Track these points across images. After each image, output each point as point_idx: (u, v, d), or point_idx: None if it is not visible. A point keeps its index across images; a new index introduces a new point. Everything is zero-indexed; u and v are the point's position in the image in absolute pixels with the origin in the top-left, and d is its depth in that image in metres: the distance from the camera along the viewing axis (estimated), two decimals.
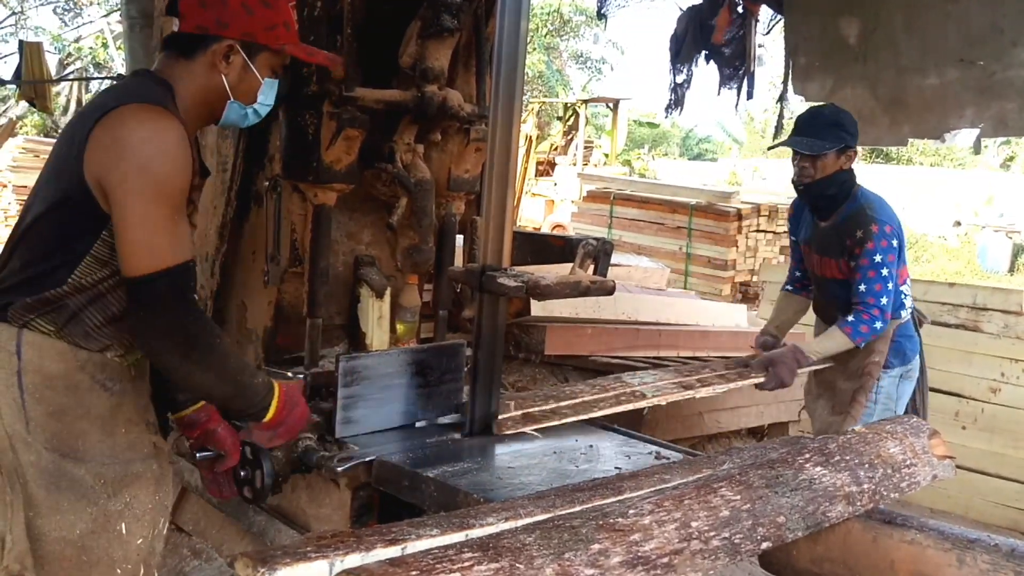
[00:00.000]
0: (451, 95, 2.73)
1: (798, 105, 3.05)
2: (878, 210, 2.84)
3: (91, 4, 17.80)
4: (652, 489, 1.57)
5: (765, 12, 5.20)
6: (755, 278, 8.51)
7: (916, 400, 3.18)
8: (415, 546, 1.26)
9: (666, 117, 6.49)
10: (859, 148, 3.02)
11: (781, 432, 4.34)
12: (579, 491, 1.63)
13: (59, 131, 14.81)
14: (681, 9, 5.32)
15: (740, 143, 29.98)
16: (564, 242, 4.24)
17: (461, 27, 2.70)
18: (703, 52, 5.28)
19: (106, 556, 1.69)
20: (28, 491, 1.63)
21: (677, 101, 5.66)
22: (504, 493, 1.83)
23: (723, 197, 9.69)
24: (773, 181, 17.05)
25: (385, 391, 2.26)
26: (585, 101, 16.95)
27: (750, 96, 5.32)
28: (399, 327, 2.87)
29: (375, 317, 2.78)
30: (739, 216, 8.99)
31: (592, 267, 2.56)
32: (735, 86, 5.31)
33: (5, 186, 9.56)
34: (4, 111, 15.32)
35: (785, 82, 4.78)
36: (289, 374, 2.41)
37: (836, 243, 2.89)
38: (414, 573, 1.07)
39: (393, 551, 1.24)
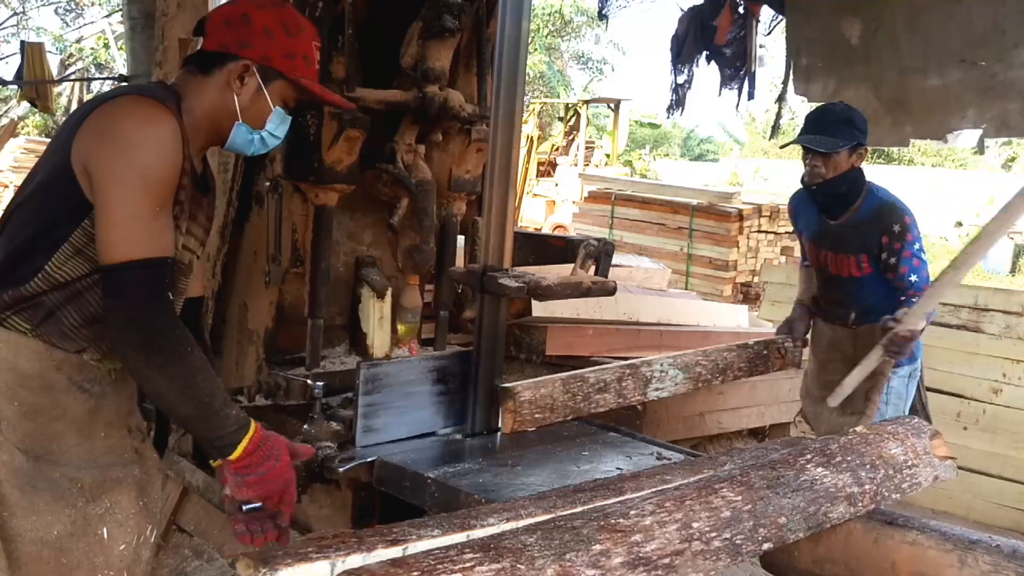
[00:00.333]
0: (452, 95, 2.73)
1: (798, 105, 3.05)
2: (900, 203, 2.87)
3: (92, 5, 17.82)
4: (653, 490, 1.57)
5: (766, 13, 5.20)
6: (756, 279, 8.50)
7: (918, 399, 3.17)
8: (416, 547, 1.26)
9: (667, 118, 6.49)
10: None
11: (782, 433, 4.33)
12: (580, 492, 1.63)
13: None
14: (682, 10, 5.32)
15: (741, 144, 29.99)
16: (565, 243, 4.24)
17: (462, 28, 2.70)
18: (704, 53, 5.28)
19: (86, 560, 1.65)
20: (2, 491, 1.59)
21: (678, 102, 5.66)
22: (505, 494, 1.83)
23: (724, 198, 9.68)
24: (774, 181, 17.07)
25: (406, 399, 2.24)
26: (586, 102, 16.96)
27: (751, 97, 5.32)
28: (400, 328, 2.87)
29: (376, 318, 2.78)
30: (740, 217, 8.98)
31: (593, 268, 2.56)
32: (736, 87, 5.31)
33: (7, 186, 9.58)
34: (6, 112, 15.34)
35: (785, 83, 4.78)
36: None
37: (857, 240, 2.86)
38: (415, 574, 1.07)
39: (394, 552, 1.24)
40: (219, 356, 2.89)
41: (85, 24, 17.94)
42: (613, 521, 1.25)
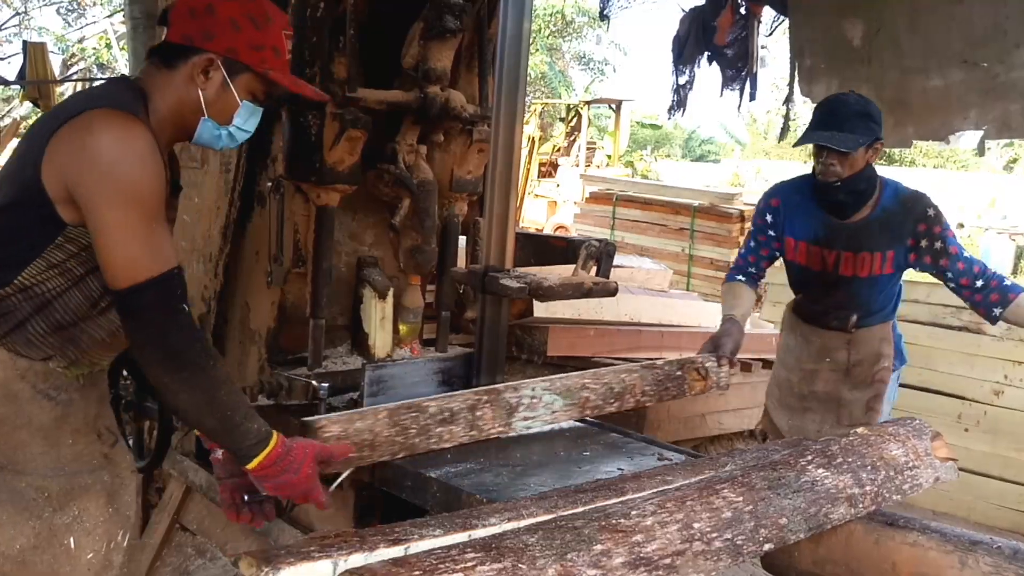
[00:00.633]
0: (454, 96, 2.73)
1: (803, 107, 2.83)
2: (919, 190, 2.74)
3: (95, 5, 17.85)
4: (655, 490, 1.57)
5: (768, 13, 5.19)
6: None
7: None
8: (418, 546, 1.26)
9: (669, 118, 6.49)
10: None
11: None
12: (582, 492, 1.64)
13: None
14: (683, 10, 5.31)
15: (743, 144, 29.99)
16: (567, 243, 4.23)
17: (464, 28, 2.70)
18: (706, 53, 5.28)
19: (51, 572, 1.62)
20: None
21: (680, 102, 5.65)
22: (507, 494, 1.83)
23: (726, 198, 9.69)
24: (776, 182, 17.03)
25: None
26: (588, 102, 16.96)
27: (753, 98, 5.31)
28: (402, 328, 2.87)
29: (378, 318, 2.78)
30: (742, 218, 8.99)
31: (594, 268, 2.57)
32: (738, 87, 5.30)
33: None
34: (8, 112, 15.36)
35: (791, 84, 4.78)
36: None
37: (887, 235, 2.65)
38: (417, 573, 1.07)
39: (396, 551, 1.25)
40: (221, 356, 2.90)
41: (87, 24, 17.97)
42: (614, 521, 1.26)
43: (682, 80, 5.52)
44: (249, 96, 1.71)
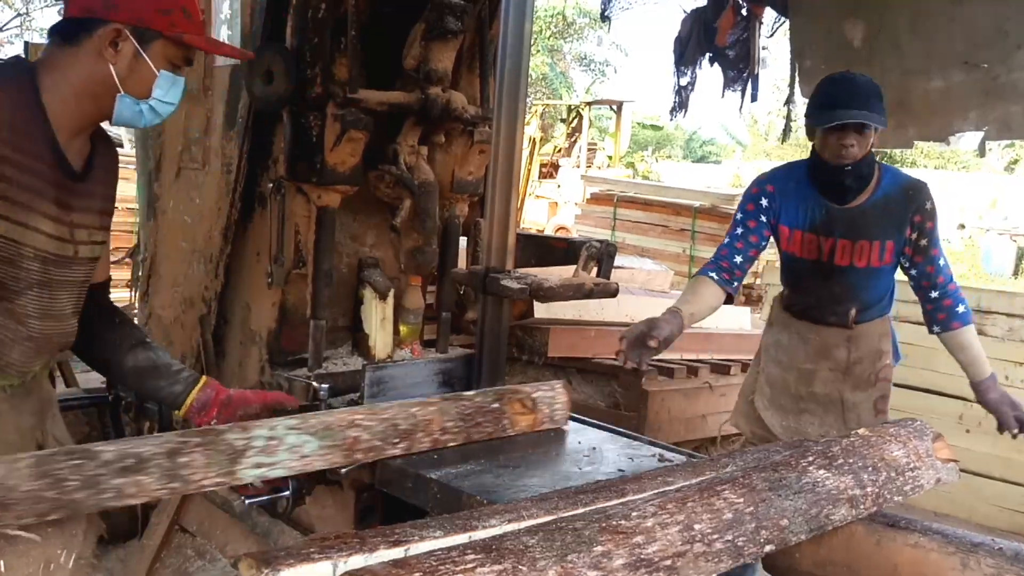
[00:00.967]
0: (455, 97, 2.73)
1: (804, 109, 2.75)
2: (921, 180, 2.66)
3: None
4: (655, 491, 1.57)
5: (769, 14, 5.19)
6: (758, 280, 8.50)
7: None
8: (418, 547, 1.26)
9: (670, 119, 6.49)
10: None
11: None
12: (582, 493, 1.63)
13: None
14: (684, 11, 5.31)
15: (744, 145, 29.99)
16: (567, 244, 4.24)
17: (465, 29, 2.70)
18: (707, 54, 5.28)
19: None
20: None
21: (681, 103, 5.65)
22: (507, 495, 1.83)
23: (727, 199, 9.69)
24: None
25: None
26: (589, 103, 16.98)
27: (754, 98, 5.31)
28: (402, 329, 2.87)
29: (378, 319, 2.78)
30: None
31: (595, 269, 2.56)
32: (739, 88, 5.30)
33: None
34: None
35: (792, 85, 4.78)
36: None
37: (886, 222, 2.57)
38: (417, 574, 1.07)
39: (396, 552, 1.24)
40: (222, 357, 2.90)
41: None
42: (615, 523, 1.25)
43: (683, 81, 5.52)
44: (167, 65, 1.60)
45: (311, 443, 1.78)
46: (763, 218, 2.69)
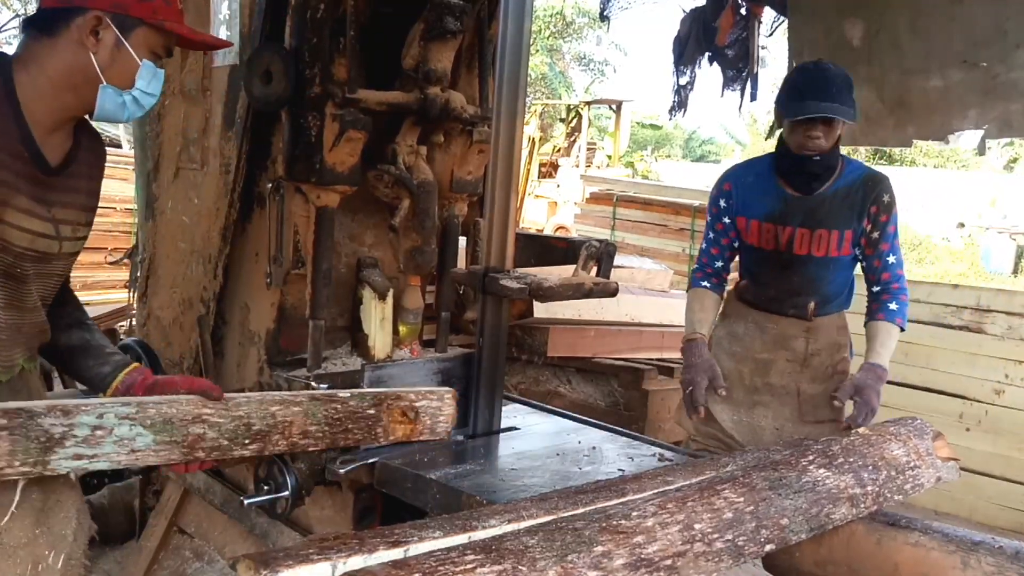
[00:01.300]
0: (454, 97, 2.73)
1: None
2: (882, 173, 2.65)
3: None
4: (655, 491, 1.57)
5: (768, 14, 5.20)
6: None
7: None
8: (418, 548, 1.26)
9: (669, 119, 6.49)
10: (863, 149, 2.86)
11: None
12: (582, 493, 1.63)
13: None
14: (684, 11, 5.32)
15: (743, 145, 29.99)
16: (567, 244, 4.24)
17: (464, 29, 2.70)
18: (706, 54, 5.28)
19: None
20: None
21: (680, 103, 5.66)
22: (507, 495, 1.82)
23: None
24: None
25: None
26: (588, 103, 16.97)
27: (753, 98, 5.32)
28: (402, 329, 2.87)
29: (378, 319, 2.78)
30: None
31: (595, 269, 2.56)
32: (738, 88, 5.31)
33: None
34: None
35: None
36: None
37: (845, 211, 2.57)
38: (416, 575, 1.07)
39: (396, 553, 1.24)
40: (221, 358, 2.90)
41: None
42: (615, 522, 1.25)
43: (683, 80, 5.52)
44: (148, 54, 1.57)
45: (145, 437, 1.63)
46: (726, 219, 2.74)
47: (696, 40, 5.25)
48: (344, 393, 1.98)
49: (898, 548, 1.52)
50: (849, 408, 2.53)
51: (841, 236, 2.58)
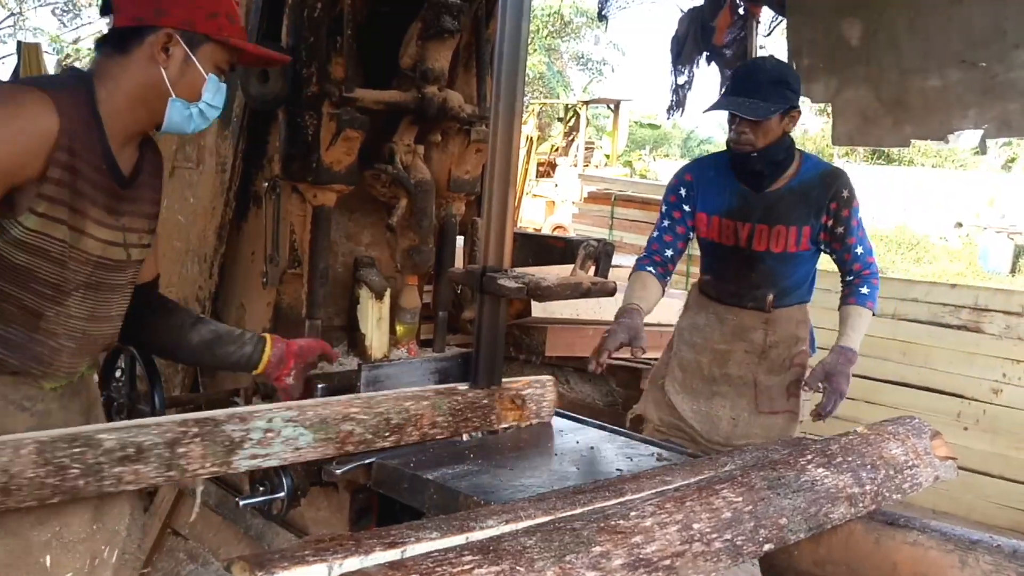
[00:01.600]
0: (451, 96, 2.72)
1: (803, 108, 2.75)
2: (841, 169, 2.67)
3: (89, 5, 17.85)
4: (654, 491, 1.56)
5: (766, 14, 5.20)
6: None
7: None
8: (414, 549, 1.25)
9: (667, 118, 6.49)
10: (860, 149, 2.89)
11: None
12: (580, 493, 1.63)
13: None
14: (682, 10, 5.32)
15: None
16: (565, 243, 4.24)
17: (462, 28, 2.69)
18: (704, 53, 5.28)
19: None
20: None
21: (678, 102, 5.65)
22: (504, 495, 1.82)
23: None
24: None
25: None
26: (586, 102, 16.99)
27: None
28: (399, 329, 2.86)
29: (375, 319, 2.77)
30: None
31: (593, 268, 2.55)
32: None
33: None
34: None
35: None
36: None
37: (802, 208, 2.59)
38: None
39: (392, 554, 1.24)
40: None
41: (82, 25, 17.99)
42: (613, 522, 1.25)
43: (680, 80, 5.52)
44: (214, 68, 1.67)
45: (306, 436, 1.81)
46: (685, 207, 2.76)
47: (694, 40, 5.25)
48: (462, 387, 2.19)
49: (896, 547, 1.51)
50: (814, 401, 2.60)
51: (799, 232, 2.61)
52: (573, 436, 2.35)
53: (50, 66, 11.33)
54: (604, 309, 4.01)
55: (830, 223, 2.60)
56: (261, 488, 1.96)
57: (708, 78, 5.44)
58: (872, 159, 20.24)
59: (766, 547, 1.40)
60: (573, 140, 15.98)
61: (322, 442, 1.84)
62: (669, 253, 2.77)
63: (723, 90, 2.62)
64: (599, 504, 1.53)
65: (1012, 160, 22.29)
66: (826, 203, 2.58)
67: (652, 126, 27.55)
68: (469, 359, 2.34)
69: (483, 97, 2.87)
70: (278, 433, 1.76)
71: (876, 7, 4.18)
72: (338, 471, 2.00)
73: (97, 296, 1.65)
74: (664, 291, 2.77)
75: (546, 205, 13.79)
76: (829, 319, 2.76)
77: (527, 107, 14.50)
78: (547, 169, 15.22)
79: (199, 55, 1.64)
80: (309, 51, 2.50)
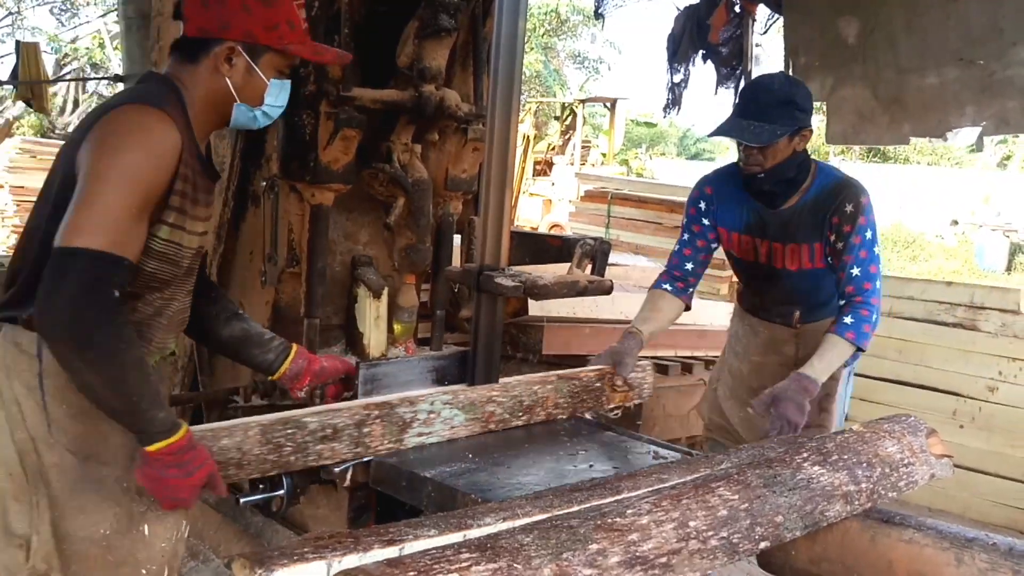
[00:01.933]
0: (449, 95, 2.72)
1: None
2: (856, 182, 2.49)
3: (88, 4, 17.80)
4: (650, 489, 1.57)
5: (762, 11, 5.21)
6: None
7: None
8: (413, 546, 1.26)
9: (664, 117, 6.49)
10: (856, 147, 2.81)
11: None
12: (577, 491, 1.63)
13: (56, 132, 14.81)
14: (678, 8, 5.32)
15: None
16: (562, 242, 4.24)
17: (459, 27, 2.70)
18: (700, 51, 5.29)
19: (131, 557, 1.68)
20: (52, 492, 1.62)
21: (674, 100, 5.66)
22: (502, 493, 1.82)
23: None
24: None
25: None
26: (582, 101, 16.95)
27: None
28: (396, 327, 2.87)
29: (372, 317, 2.77)
30: None
31: (590, 267, 2.55)
32: (732, 85, 5.31)
33: (2, 187, 9.53)
34: (1, 112, 15.30)
35: None
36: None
37: (811, 224, 2.49)
38: (412, 574, 1.07)
39: (391, 551, 1.24)
40: (216, 356, 2.89)
41: (80, 24, 17.92)
42: (610, 520, 1.25)
43: (677, 78, 5.52)
44: (275, 73, 1.76)
45: (459, 416, 2.11)
46: (705, 221, 2.67)
47: (690, 38, 5.26)
48: (583, 371, 2.42)
49: (892, 545, 1.52)
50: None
51: (812, 249, 2.52)
52: (570, 434, 2.35)
53: (49, 66, 11.31)
54: (601, 307, 4.02)
55: (832, 237, 2.47)
56: (261, 486, 1.96)
57: (704, 76, 5.45)
58: (867, 157, 20.24)
59: (762, 545, 1.41)
60: (570, 139, 15.96)
61: (471, 420, 2.13)
62: (689, 267, 2.69)
63: (732, 110, 2.49)
64: (596, 502, 1.53)
65: (1007, 158, 22.31)
66: (829, 218, 2.46)
67: (648, 124, 27.52)
68: (466, 357, 2.35)
69: (480, 96, 2.87)
70: (438, 414, 2.06)
71: (873, 5, 4.19)
72: (336, 469, 2.00)
73: (187, 280, 1.78)
74: (687, 304, 2.70)
75: (543, 204, 13.76)
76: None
77: (524, 105, 14.48)
78: (544, 168, 15.19)
79: (261, 64, 1.73)
80: None
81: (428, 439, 2.05)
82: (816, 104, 2.67)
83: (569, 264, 2.47)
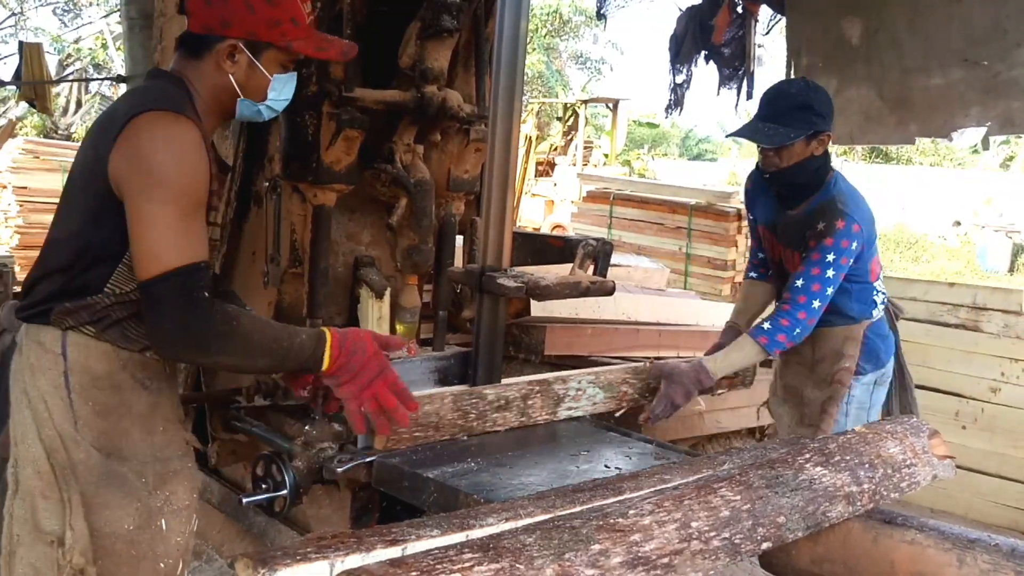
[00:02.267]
0: (451, 95, 2.73)
1: None
2: (850, 204, 2.49)
3: (91, 5, 17.83)
4: (652, 489, 1.57)
5: (765, 12, 5.21)
6: None
7: (894, 403, 2.85)
8: (415, 547, 1.26)
9: (666, 117, 6.50)
10: (859, 147, 2.84)
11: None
12: (579, 491, 1.63)
13: (59, 132, 14.82)
14: (680, 9, 5.32)
15: (740, 143, 29.97)
16: (564, 242, 4.23)
17: (461, 27, 2.70)
18: (703, 52, 5.29)
19: (151, 551, 1.72)
20: (81, 488, 1.66)
21: (677, 101, 5.66)
22: (504, 493, 1.82)
23: (723, 197, 9.68)
24: None
25: None
26: (585, 101, 16.96)
27: (750, 96, 5.32)
28: (399, 328, 2.87)
29: (375, 318, 2.78)
30: (739, 216, 8.98)
31: (592, 267, 2.56)
32: (735, 86, 5.31)
33: (5, 187, 9.54)
34: (4, 112, 15.33)
35: None
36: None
37: (799, 235, 2.56)
38: (414, 574, 1.07)
39: (393, 552, 1.24)
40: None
41: (83, 24, 17.95)
42: (612, 521, 1.25)
43: (679, 79, 5.53)
44: (279, 68, 1.77)
45: (600, 394, 2.39)
46: (751, 216, 2.85)
47: (692, 38, 5.26)
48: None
49: (894, 546, 1.52)
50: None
51: (801, 256, 2.56)
52: (572, 435, 2.36)
53: (51, 66, 11.32)
54: (603, 308, 4.02)
55: (804, 253, 2.52)
56: (263, 486, 1.97)
57: (706, 77, 5.45)
58: (870, 158, 20.24)
59: (764, 545, 1.41)
60: (572, 139, 15.97)
61: (609, 398, 2.40)
62: (761, 255, 2.87)
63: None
64: (598, 502, 1.53)
65: (1010, 159, 22.29)
66: (808, 232, 2.51)
67: (651, 125, 27.54)
68: (469, 358, 2.35)
69: (482, 96, 2.88)
70: (584, 391, 2.34)
71: (875, 6, 4.19)
72: (339, 469, 2.00)
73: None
74: (773, 284, 2.85)
75: (545, 204, 13.77)
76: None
77: (526, 106, 14.49)
78: (546, 168, 15.21)
79: (263, 60, 1.74)
80: None
81: (574, 412, 2.33)
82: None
83: (571, 265, 2.47)
